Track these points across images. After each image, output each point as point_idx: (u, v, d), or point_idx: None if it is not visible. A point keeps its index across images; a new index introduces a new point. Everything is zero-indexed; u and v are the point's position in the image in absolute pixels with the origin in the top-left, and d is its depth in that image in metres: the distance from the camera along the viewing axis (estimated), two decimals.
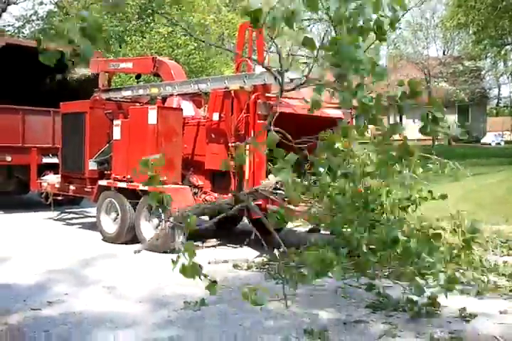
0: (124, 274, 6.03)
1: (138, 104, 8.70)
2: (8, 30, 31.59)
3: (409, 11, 22.17)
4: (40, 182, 9.84)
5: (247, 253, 7.01)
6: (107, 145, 8.14)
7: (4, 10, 30.73)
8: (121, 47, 19.47)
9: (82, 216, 10.77)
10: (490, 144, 33.94)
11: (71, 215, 10.88)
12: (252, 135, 6.35)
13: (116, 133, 7.68)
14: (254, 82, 6.49)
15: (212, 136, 7.09)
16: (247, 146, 6.45)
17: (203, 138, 7.35)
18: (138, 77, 9.06)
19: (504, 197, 11.86)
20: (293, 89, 5.20)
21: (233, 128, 6.81)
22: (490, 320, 4.41)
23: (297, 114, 6.43)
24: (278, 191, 6.28)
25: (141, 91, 8.26)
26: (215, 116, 7.02)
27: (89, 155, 8.26)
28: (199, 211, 6.62)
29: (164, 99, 8.21)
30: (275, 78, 4.67)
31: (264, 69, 6.27)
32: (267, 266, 6.22)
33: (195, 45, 18.39)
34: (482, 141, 35.14)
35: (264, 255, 6.76)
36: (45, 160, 10.60)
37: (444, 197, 5.71)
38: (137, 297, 5.15)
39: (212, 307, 4.75)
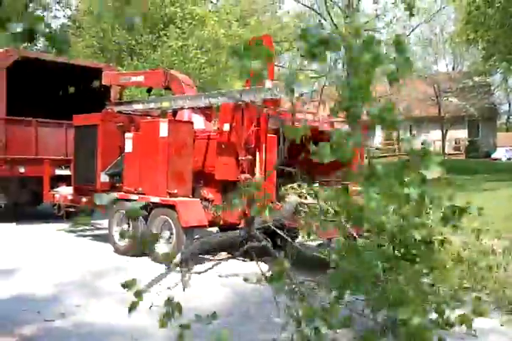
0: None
1: (149, 117, 8.78)
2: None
3: (418, 26, 22.24)
4: (53, 194, 9.91)
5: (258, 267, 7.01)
6: (119, 157, 8.21)
7: None
8: (132, 60, 19.64)
9: (94, 228, 10.81)
10: (501, 159, 33.73)
11: (83, 227, 10.92)
12: (264, 148, 6.39)
13: (128, 146, 7.76)
14: (264, 96, 6.54)
15: (223, 147, 7.13)
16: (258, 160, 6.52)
17: (214, 151, 7.40)
18: (149, 90, 9.16)
19: None
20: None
21: (243, 141, 6.86)
22: (503, 337, 4.39)
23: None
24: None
25: (152, 105, 8.35)
26: (226, 128, 7.06)
27: (101, 168, 8.33)
28: (208, 246, 6.59)
29: (175, 112, 8.29)
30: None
31: (275, 83, 6.34)
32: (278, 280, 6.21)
33: (206, 58, 18.55)
34: (492, 156, 34.92)
35: None
36: (58, 172, 10.67)
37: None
38: (148, 309, 5.16)
39: (223, 320, 4.74)
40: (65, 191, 9.67)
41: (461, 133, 35.54)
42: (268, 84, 6.66)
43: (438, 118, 25.24)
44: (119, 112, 8.86)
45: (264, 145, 6.42)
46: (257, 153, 6.54)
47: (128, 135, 7.83)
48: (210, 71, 18.87)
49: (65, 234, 10.12)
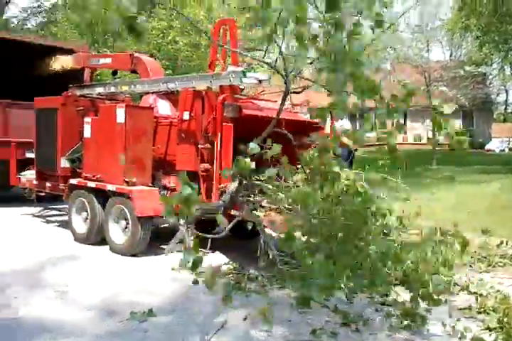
0: (81, 278, 5.83)
1: (113, 101, 8.48)
2: (12, 22, 31.55)
3: (409, 11, 21.61)
4: (19, 178, 9.65)
5: (217, 260, 6.78)
6: (80, 142, 7.92)
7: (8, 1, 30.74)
8: (115, 41, 19.25)
9: (63, 213, 10.57)
10: (494, 151, 33.49)
11: (52, 212, 10.69)
12: (219, 137, 6.10)
13: (87, 131, 7.47)
14: (220, 83, 6.24)
15: (183, 136, 6.85)
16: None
17: (175, 138, 7.12)
18: (114, 73, 8.84)
19: (499, 205, 11.50)
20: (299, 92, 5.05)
21: (203, 129, 6.57)
22: None
23: (268, 116, 6.15)
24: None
25: (112, 89, 8.03)
26: (185, 116, 6.78)
27: (61, 153, 8.05)
28: (200, 213, 6.34)
29: (141, 97, 8.00)
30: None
31: (234, 69, 6.05)
32: (230, 275, 5.99)
33: (185, 41, 18.16)
34: (486, 147, 34.66)
35: (231, 262, 6.54)
36: (28, 154, 10.36)
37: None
38: (87, 304, 4.95)
39: (159, 318, 4.55)
40: (31, 175, 9.39)
41: (455, 124, 35.19)
42: (230, 69, 6.36)
43: (429, 107, 24.78)
44: (82, 96, 8.55)
45: (220, 134, 6.13)
46: (215, 142, 6.27)
47: (87, 119, 7.54)
48: (189, 54, 18.48)
49: (31, 219, 9.89)
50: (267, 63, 3.66)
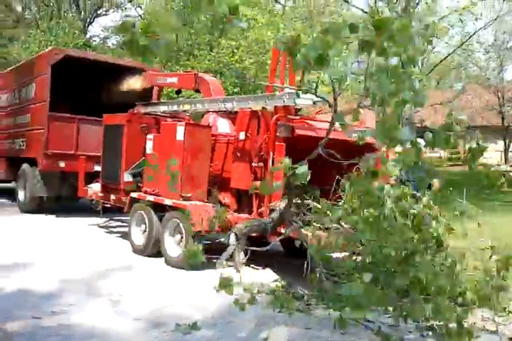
0: (135, 289, 6.04)
1: (175, 119, 8.78)
2: (94, 40, 33.31)
3: (478, 31, 20.91)
4: (86, 190, 10.12)
5: (267, 276, 6.83)
6: (142, 158, 8.26)
7: (90, 23, 32.60)
8: (188, 60, 19.88)
9: (126, 225, 10.96)
10: None
11: (117, 223, 11.11)
12: (271, 157, 6.21)
13: (149, 147, 7.79)
14: (275, 103, 6.36)
15: (238, 154, 7.02)
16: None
17: (232, 156, 7.30)
18: (178, 92, 9.17)
19: None
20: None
21: (257, 148, 6.71)
22: None
23: (322, 137, 6.20)
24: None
25: (175, 107, 8.34)
26: (241, 135, 6.95)
27: (124, 167, 8.41)
28: (249, 229, 6.43)
29: (203, 115, 8.27)
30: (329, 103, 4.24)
31: (290, 91, 6.15)
32: (276, 293, 6.01)
33: (251, 60, 18.47)
34: None
35: (279, 280, 6.57)
36: (97, 168, 10.86)
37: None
38: (137, 314, 5.13)
39: (202, 331, 4.64)
40: (97, 187, 9.84)
41: None
42: (287, 90, 6.47)
43: (501, 128, 23.88)
44: (147, 113, 8.92)
45: (272, 153, 6.24)
46: (267, 161, 6.39)
47: (149, 136, 7.88)
48: (254, 73, 18.76)
49: (95, 229, 10.33)
50: (315, 90, 3.68)
